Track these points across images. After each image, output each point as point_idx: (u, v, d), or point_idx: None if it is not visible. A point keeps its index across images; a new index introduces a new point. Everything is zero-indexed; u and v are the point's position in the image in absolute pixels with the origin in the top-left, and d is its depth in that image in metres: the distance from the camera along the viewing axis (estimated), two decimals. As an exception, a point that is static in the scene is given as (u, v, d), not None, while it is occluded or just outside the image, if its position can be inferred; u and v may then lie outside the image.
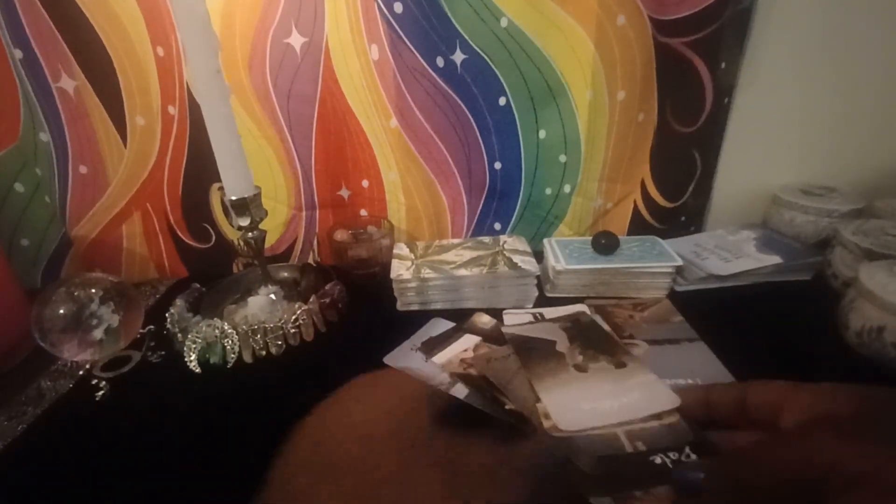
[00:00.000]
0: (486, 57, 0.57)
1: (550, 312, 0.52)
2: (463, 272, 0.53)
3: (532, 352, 0.42)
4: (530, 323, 0.50)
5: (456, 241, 0.62)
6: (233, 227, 0.51)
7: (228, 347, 0.47)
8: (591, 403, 0.34)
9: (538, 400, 0.36)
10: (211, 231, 0.65)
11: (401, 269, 0.55)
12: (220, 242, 0.66)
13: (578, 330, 0.46)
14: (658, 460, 0.27)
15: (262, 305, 0.53)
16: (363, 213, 0.68)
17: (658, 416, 0.31)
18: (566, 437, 0.31)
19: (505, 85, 0.59)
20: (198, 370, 0.47)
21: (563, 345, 0.43)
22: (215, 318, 0.49)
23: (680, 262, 0.54)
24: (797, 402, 0.21)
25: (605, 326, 0.48)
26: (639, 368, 0.38)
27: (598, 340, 0.44)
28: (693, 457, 0.27)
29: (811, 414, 0.20)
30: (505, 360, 0.42)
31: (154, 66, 0.55)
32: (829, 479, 0.17)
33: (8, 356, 0.50)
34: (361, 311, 0.56)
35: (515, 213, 0.68)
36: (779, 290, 0.55)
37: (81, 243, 0.63)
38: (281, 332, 0.49)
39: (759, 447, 0.20)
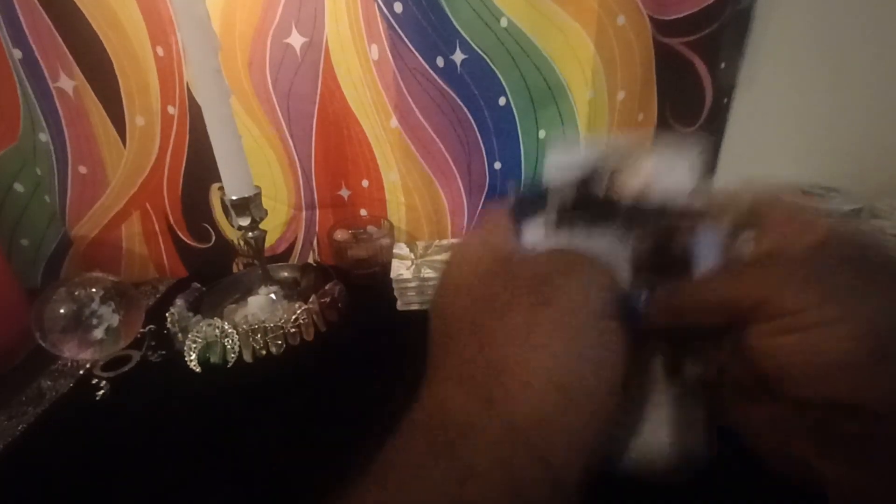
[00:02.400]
0: (486, 57, 0.57)
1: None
2: (463, 272, 0.53)
3: None
4: None
5: (456, 240, 0.62)
6: (233, 226, 0.51)
7: (229, 347, 0.47)
8: None
9: None
10: (211, 231, 0.65)
11: (401, 269, 0.55)
12: (220, 242, 0.66)
13: None
14: None
15: (262, 305, 0.53)
16: (363, 212, 0.68)
17: None
18: None
19: (505, 85, 0.59)
20: (198, 370, 0.47)
21: None
22: (215, 318, 0.49)
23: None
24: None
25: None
26: None
27: None
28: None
29: (777, 239, 0.19)
30: None
31: (154, 66, 0.55)
32: (755, 311, 0.17)
33: (8, 356, 0.49)
34: (361, 311, 0.56)
35: (515, 213, 0.68)
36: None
37: (81, 243, 0.63)
38: (281, 331, 0.49)
39: (703, 278, 0.20)
